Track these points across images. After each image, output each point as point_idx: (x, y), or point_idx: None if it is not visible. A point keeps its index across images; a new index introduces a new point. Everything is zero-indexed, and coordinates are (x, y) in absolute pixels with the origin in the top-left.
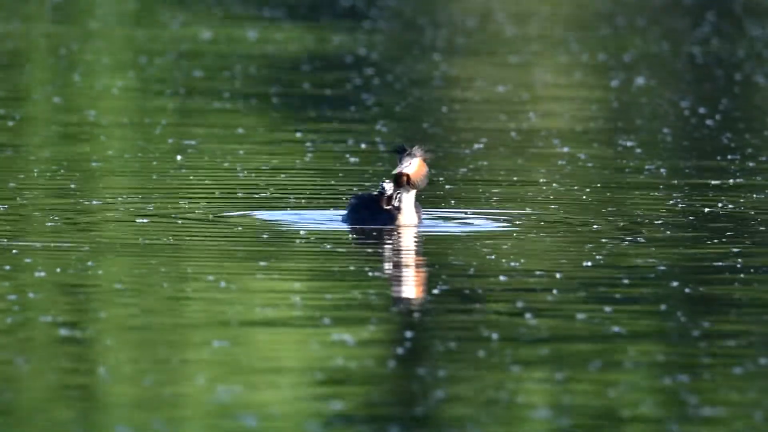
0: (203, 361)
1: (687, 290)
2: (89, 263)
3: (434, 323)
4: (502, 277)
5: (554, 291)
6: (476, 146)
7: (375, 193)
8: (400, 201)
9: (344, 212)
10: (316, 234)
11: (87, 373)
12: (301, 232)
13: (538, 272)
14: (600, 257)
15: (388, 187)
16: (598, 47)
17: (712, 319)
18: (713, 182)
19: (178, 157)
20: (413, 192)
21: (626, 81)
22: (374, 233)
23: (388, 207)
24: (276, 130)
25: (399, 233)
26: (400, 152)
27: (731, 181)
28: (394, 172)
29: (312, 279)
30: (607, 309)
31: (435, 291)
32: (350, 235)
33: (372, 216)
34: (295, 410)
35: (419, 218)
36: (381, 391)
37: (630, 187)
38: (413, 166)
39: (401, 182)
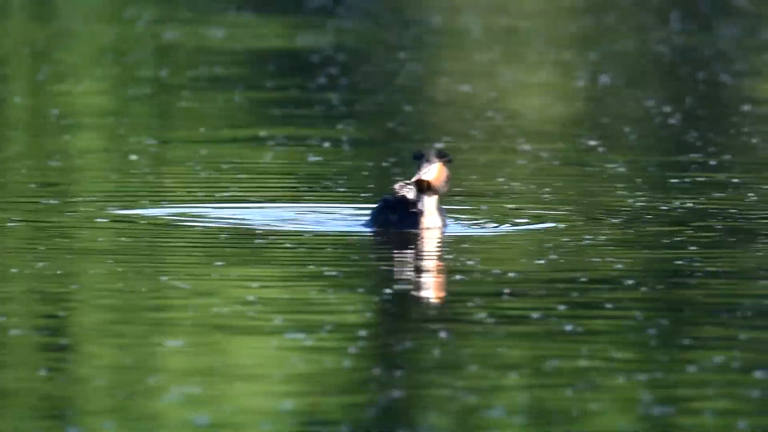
0: (175, 366)
1: (644, 289)
2: (55, 267)
3: (400, 327)
4: (458, 277)
5: (507, 290)
6: (438, 146)
7: (399, 195)
8: (422, 205)
9: (370, 214)
10: (275, 234)
11: (52, 380)
12: (258, 232)
13: (495, 271)
14: (557, 256)
15: (398, 187)
16: (564, 45)
17: (669, 317)
18: (676, 180)
19: (133, 157)
20: (435, 197)
21: (592, 79)
22: (387, 236)
23: (413, 210)
24: (240, 129)
25: (419, 236)
26: (419, 158)
27: (695, 179)
28: (413, 179)
29: (285, 281)
30: (562, 307)
31: (402, 294)
32: (373, 237)
33: (397, 219)
34: (265, 417)
35: (444, 222)
36: (350, 398)
37: (593, 185)
38: (432, 171)
39: (422, 188)
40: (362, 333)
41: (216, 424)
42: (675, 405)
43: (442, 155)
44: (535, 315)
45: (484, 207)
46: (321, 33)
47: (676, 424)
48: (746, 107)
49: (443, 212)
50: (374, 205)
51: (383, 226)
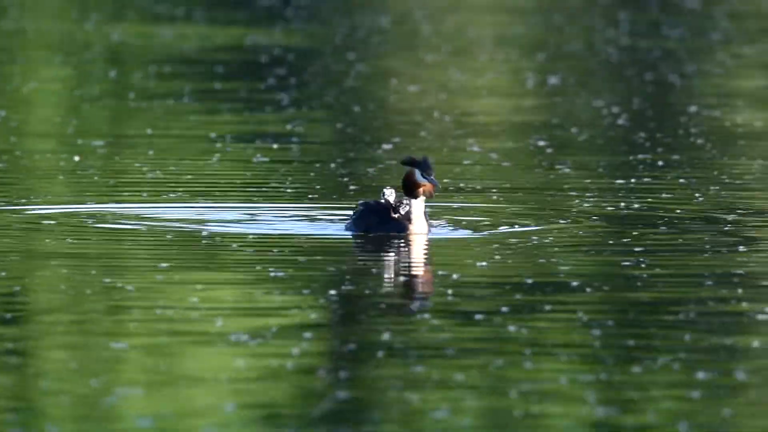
0: (135, 372)
1: (589, 290)
2: (4, 272)
3: (346, 328)
4: (402, 278)
5: (450, 291)
6: (386, 146)
7: (383, 200)
8: (409, 210)
9: (349, 219)
10: (224, 236)
11: (11, 384)
12: (204, 232)
13: (441, 272)
14: (502, 257)
15: (388, 192)
16: (513, 46)
17: (615, 318)
18: (624, 181)
19: (76, 158)
20: (422, 203)
21: (541, 80)
22: (375, 240)
23: (396, 215)
24: (189, 130)
25: (408, 240)
26: (414, 165)
27: (642, 179)
28: (435, 187)
29: (230, 283)
30: (505, 309)
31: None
32: (354, 242)
33: (381, 223)
34: (210, 418)
35: (430, 227)
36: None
37: (541, 186)
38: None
39: (416, 193)
40: (307, 335)
41: (160, 426)
42: (619, 405)
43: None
44: (479, 317)
45: (436, 209)
46: (270, 34)
47: (619, 424)
48: (694, 108)
49: (428, 217)
50: (353, 210)
51: (366, 231)
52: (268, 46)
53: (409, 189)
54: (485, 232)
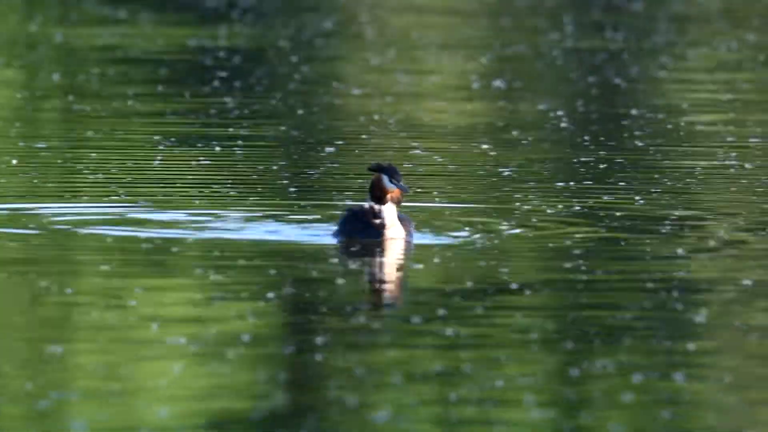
0: (86, 380)
1: (529, 292)
2: None
3: (286, 334)
4: (356, 284)
5: (395, 296)
6: (329, 149)
7: (367, 206)
8: (382, 216)
9: (337, 225)
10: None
11: None
12: (144, 237)
13: (392, 277)
14: (442, 260)
15: (367, 206)
16: (459, 48)
17: (555, 320)
18: (567, 183)
19: (14, 161)
20: (393, 207)
21: (486, 83)
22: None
23: (376, 221)
24: (132, 132)
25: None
26: (381, 171)
27: (584, 182)
28: (402, 192)
29: (169, 288)
30: (442, 312)
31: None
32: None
33: (362, 229)
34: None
35: (408, 232)
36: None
37: (485, 189)
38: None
39: (384, 200)
40: (246, 339)
41: (93, 428)
42: (557, 407)
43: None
44: (416, 320)
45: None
46: (215, 36)
47: (558, 427)
48: (638, 111)
49: (411, 223)
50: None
51: (350, 236)
52: (212, 48)
53: (377, 195)
54: (420, 236)
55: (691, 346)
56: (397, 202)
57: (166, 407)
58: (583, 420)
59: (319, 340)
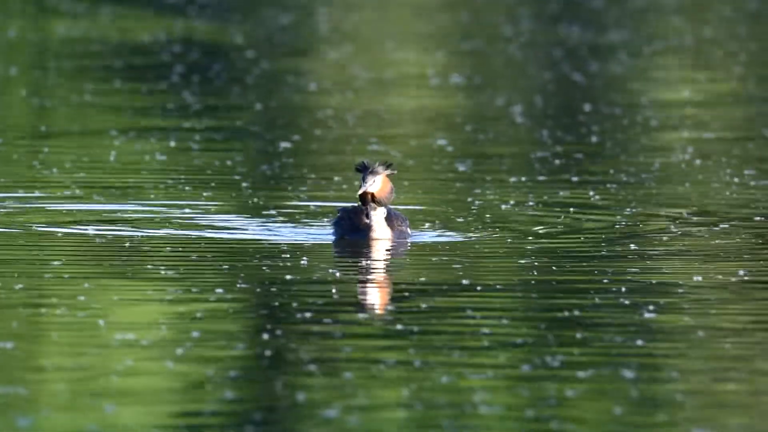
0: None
1: (479, 288)
2: None
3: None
4: (316, 284)
5: (340, 289)
6: (284, 144)
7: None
8: (370, 217)
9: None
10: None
11: None
12: (90, 231)
13: (364, 277)
14: (390, 256)
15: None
16: (417, 43)
17: (507, 317)
18: (521, 179)
19: None
20: (382, 208)
21: (444, 77)
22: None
23: (366, 221)
24: (88, 126)
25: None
26: (363, 170)
27: (539, 178)
28: (359, 192)
29: (110, 281)
30: (392, 308)
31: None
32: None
33: (352, 229)
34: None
35: (400, 231)
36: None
37: (442, 184)
38: (377, 183)
39: (366, 200)
40: (194, 337)
41: (36, 426)
42: (501, 405)
43: (386, 166)
44: (362, 316)
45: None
46: (172, 31)
47: (492, 426)
48: (595, 106)
49: (405, 221)
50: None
51: (343, 236)
52: (170, 43)
53: (360, 199)
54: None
55: (638, 341)
56: (385, 202)
57: (111, 404)
58: (523, 414)
59: (271, 336)
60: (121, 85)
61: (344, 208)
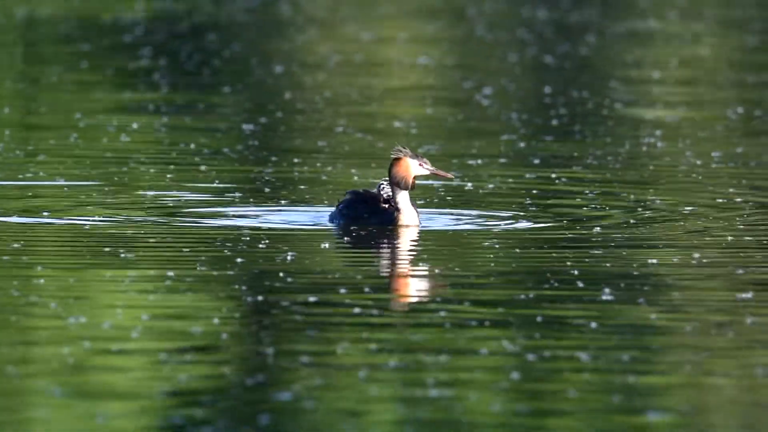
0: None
1: (438, 269)
2: None
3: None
4: (289, 278)
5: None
6: (248, 126)
7: (374, 190)
8: (398, 201)
9: (337, 207)
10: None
11: None
12: (46, 214)
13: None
14: (331, 247)
15: (386, 183)
16: (383, 22)
17: (470, 313)
18: (489, 161)
19: None
20: (405, 192)
21: (412, 59)
22: (362, 232)
23: (388, 206)
24: (48, 110)
25: (398, 233)
26: (416, 156)
27: (501, 160)
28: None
29: (58, 268)
30: (348, 301)
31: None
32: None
33: (371, 214)
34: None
35: (419, 218)
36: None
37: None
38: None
39: (412, 184)
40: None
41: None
42: (455, 387)
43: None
44: (324, 309)
45: (308, 196)
46: (134, 12)
47: (449, 406)
48: (563, 87)
49: (416, 208)
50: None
51: (355, 220)
52: (132, 25)
53: (398, 180)
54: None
55: (592, 323)
56: (404, 186)
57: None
58: (470, 395)
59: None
60: (88, 68)
61: (354, 191)
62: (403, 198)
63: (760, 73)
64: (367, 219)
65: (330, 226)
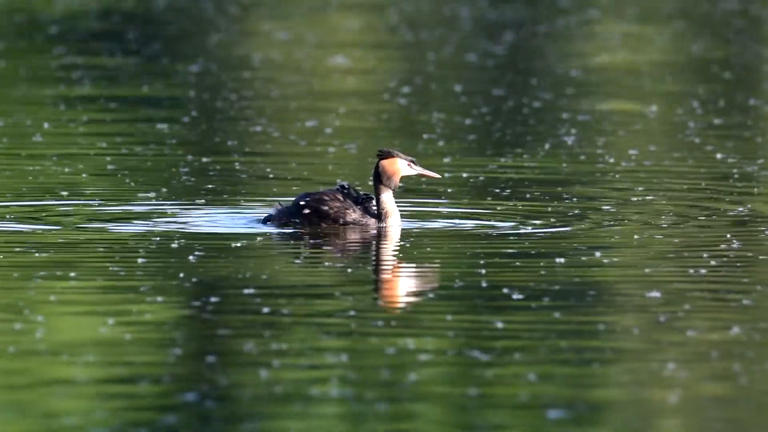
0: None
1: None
2: None
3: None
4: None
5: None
6: (163, 126)
7: (335, 188)
8: (384, 202)
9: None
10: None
11: None
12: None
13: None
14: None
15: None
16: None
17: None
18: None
19: None
20: (390, 193)
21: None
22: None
23: (374, 207)
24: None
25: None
26: (384, 156)
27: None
28: (428, 174)
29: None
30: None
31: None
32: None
33: (361, 214)
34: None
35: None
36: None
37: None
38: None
39: (394, 184)
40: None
41: None
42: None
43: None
44: (264, 309)
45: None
46: (52, 9)
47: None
48: (490, 89)
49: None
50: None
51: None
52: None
53: (384, 179)
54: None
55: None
56: (391, 186)
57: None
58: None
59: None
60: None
61: (341, 185)
62: (388, 199)
63: (684, 72)
64: (359, 221)
65: (263, 228)
